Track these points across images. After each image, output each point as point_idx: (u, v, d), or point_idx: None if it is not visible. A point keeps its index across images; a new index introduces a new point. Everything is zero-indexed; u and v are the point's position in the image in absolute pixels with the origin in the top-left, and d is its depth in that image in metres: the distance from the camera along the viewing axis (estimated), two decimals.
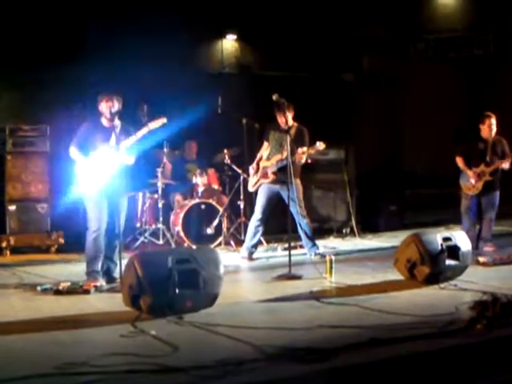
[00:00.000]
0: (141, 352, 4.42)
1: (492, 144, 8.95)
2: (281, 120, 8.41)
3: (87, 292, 6.51)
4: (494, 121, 8.96)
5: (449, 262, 6.56)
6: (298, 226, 8.47)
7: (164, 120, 7.10)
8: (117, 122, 6.93)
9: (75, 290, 6.53)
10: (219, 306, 5.68)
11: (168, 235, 9.76)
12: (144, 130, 6.99)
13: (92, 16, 10.87)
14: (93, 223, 6.96)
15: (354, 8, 13.40)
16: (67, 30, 10.83)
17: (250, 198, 9.60)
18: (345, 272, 7.39)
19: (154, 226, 9.92)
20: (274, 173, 8.50)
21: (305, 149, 8.25)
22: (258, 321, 5.47)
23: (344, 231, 10.92)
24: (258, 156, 8.85)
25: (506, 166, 8.78)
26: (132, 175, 7.31)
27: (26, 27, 10.61)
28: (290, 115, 8.38)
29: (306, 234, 8.51)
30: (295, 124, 8.49)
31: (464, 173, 9.00)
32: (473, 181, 8.86)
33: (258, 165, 8.78)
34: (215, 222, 9.63)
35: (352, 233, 10.84)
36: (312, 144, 8.29)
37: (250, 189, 8.96)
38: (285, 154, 8.01)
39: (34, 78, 10.56)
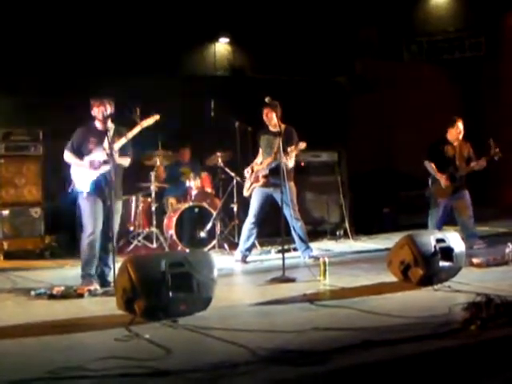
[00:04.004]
0: (135, 356, 4.42)
1: (459, 149, 9.04)
2: (270, 122, 8.41)
3: (81, 296, 6.51)
4: (461, 124, 9.03)
5: (442, 263, 6.55)
6: (292, 228, 8.47)
7: (157, 117, 7.08)
8: (110, 125, 6.96)
9: (69, 294, 6.53)
10: (213, 310, 5.67)
11: (161, 239, 9.75)
12: (137, 129, 6.99)
13: (89, 24, 10.90)
14: (88, 227, 6.94)
15: (346, 11, 13.44)
16: (63, 37, 10.84)
17: (244, 201, 9.59)
18: (338, 274, 7.39)
19: (147, 230, 9.91)
20: (264, 176, 8.50)
21: (293, 147, 8.26)
22: (252, 324, 5.46)
23: (338, 233, 10.91)
24: (254, 162, 8.84)
25: (481, 166, 8.86)
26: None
27: (22, 33, 10.61)
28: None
29: (299, 236, 8.52)
30: (283, 125, 8.48)
31: (434, 177, 9.02)
32: (443, 185, 8.90)
33: (252, 170, 8.78)
34: (209, 226, 9.62)
35: (346, 235, 10.83)
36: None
37: (245, 194, 8.94)
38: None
39: (28, 82, 10.55)
